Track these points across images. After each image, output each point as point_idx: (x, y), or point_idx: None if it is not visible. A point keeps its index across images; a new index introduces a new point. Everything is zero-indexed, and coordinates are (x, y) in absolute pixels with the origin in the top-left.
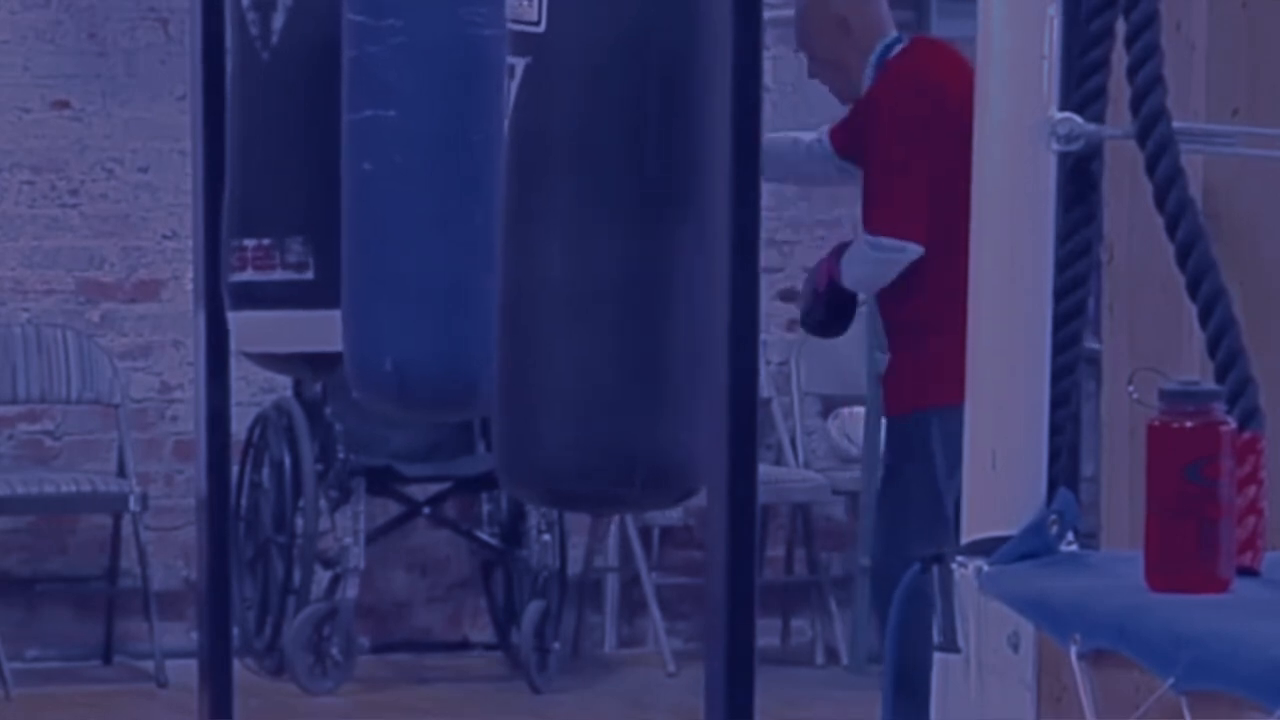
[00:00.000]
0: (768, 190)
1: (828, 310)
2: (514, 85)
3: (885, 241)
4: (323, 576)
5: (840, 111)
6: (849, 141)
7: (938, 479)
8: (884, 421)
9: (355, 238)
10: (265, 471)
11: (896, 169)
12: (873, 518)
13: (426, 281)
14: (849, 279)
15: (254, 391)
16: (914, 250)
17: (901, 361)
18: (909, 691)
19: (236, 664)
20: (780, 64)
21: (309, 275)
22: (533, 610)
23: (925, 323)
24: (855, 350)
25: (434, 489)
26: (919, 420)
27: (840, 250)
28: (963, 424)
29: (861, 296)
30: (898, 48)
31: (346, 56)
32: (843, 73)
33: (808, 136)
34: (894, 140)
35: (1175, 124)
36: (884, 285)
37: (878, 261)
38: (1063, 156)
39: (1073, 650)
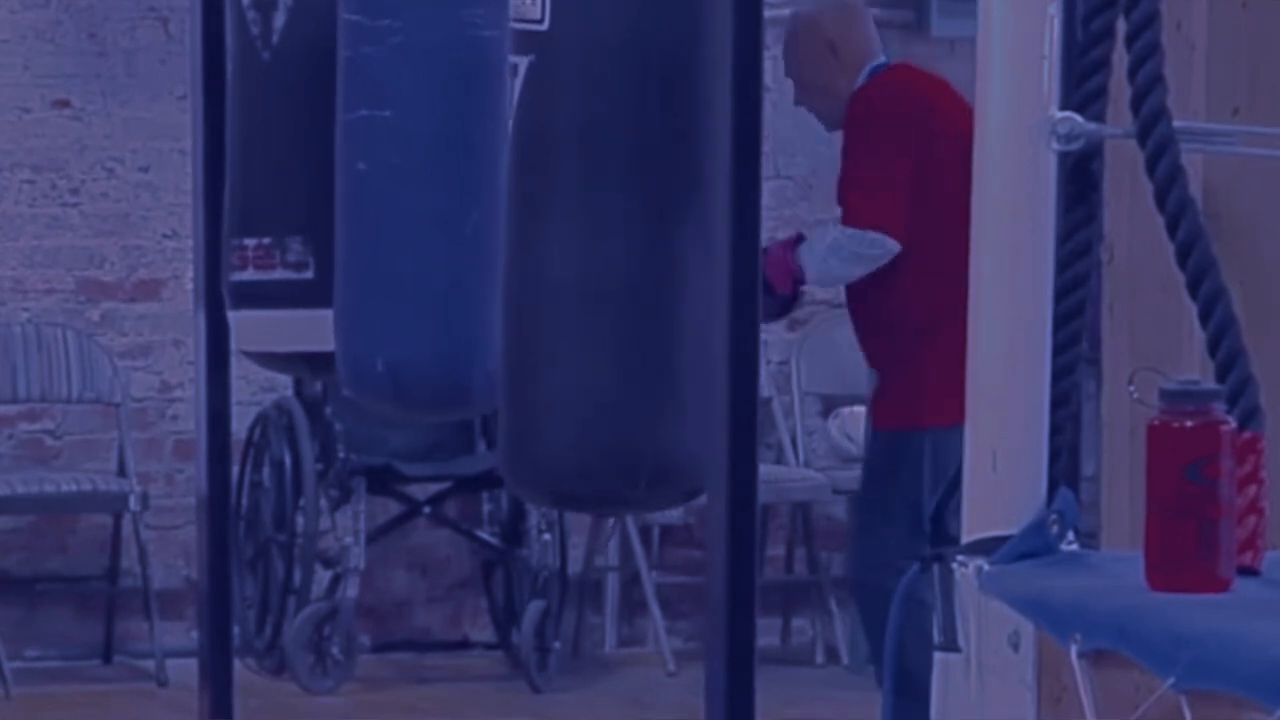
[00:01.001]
0: (768, 190)
1: (778, 308)
2: (517, 83)
3: (870, 236)
4: (323, 576)
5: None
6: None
7: (922, 496)
8: (871, 431)
9: (348, 238)
10: (266, 471)
11: (881, 165)
12: (851, 525)
13: (419, 282)
14: (817, 274)
15: (254, 391)
16: (893, 246)
17: (896, 376)
18: (909, 692)
19: (237, 664)
20: (780, 64)
21: (309, 274)
22: (533, 610)
23: (921, 335)
24: (855, 350)
25: (434, 488)
26: (912, 439)
27: (793, 244)
28: (955, 445)
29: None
30: (883, 68)
31: (342, 56)
32: (829, 97)
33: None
34: (880, 138)
35: (1175, 124)
36: (851, 281)
37: (854, 258)
38: (1063, 156)
39: (1073, 650)
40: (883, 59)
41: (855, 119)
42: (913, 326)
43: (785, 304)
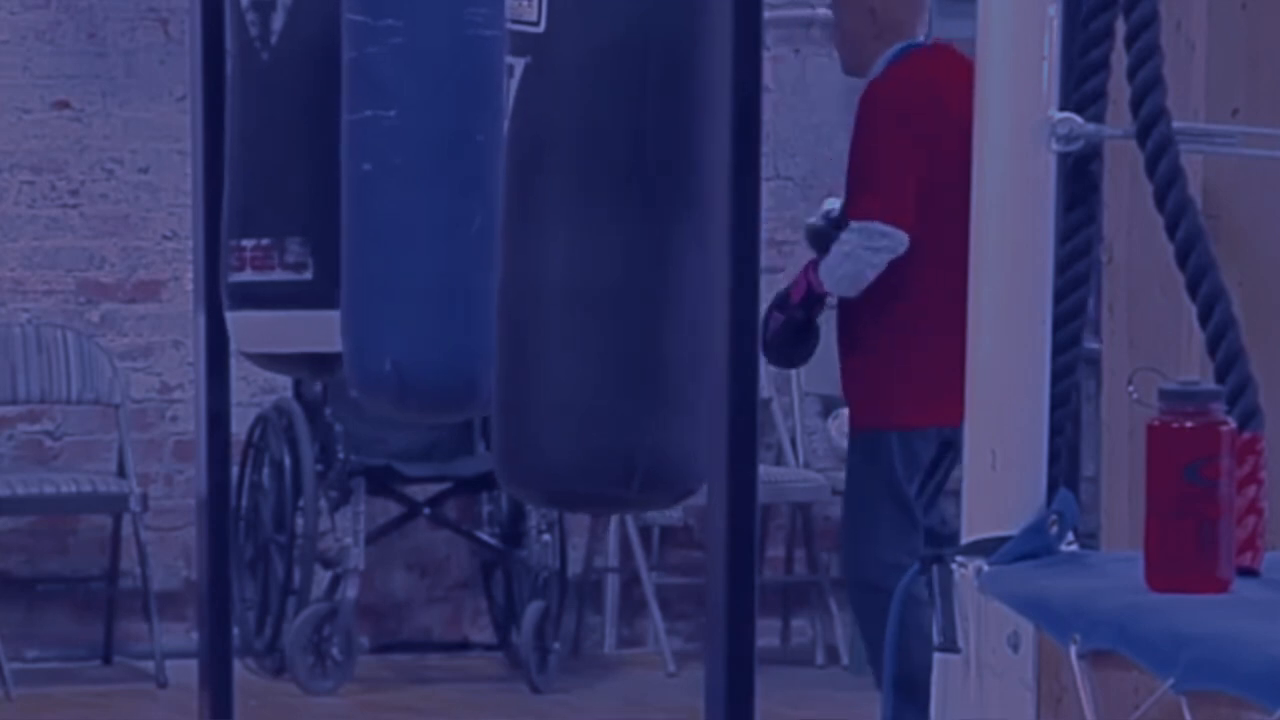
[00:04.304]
0: (768, 190)
1: (793, 334)
2: (513, 85)
3: (876, 227)
4: (323, 577)
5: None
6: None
7: (902, 491)
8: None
9: (354, 238)
10: (265, 472)
11: (885, 161)
12: (841, 526)
13: (426, 282)
14: (832, 280)
15: (254, 391)
16: (900, 238)
17: (865, 372)
18: (909, 692)
19: (236, 664)
20: (780, 64)
21: (308, 275)
22: (533, 610)
23: (898, 335)
24: None
25: (434, 489)
26: (879, 438)
27: (812, 266)
28: (922, 446)
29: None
30: (911, 51)
31: (346, 57)
32: (857, 52)
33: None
34: (886, 136)
35: (1175, 124)
36: (868, 282)
37: (865, 250)
38: (1063, 156)
39: (1073, 650)
40: (919, 39)
41: (866, 109)
42: (900, 326)
43: (799, 324)
